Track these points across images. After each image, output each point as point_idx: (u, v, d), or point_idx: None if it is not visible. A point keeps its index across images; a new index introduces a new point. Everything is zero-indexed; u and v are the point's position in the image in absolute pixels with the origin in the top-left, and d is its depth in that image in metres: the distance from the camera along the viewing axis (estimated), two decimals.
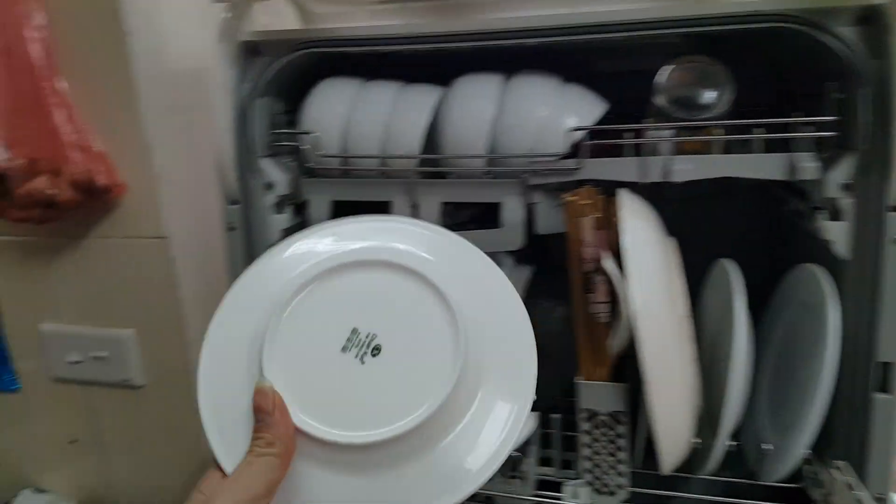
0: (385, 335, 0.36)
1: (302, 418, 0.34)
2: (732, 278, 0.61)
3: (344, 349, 0.36)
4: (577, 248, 0.59)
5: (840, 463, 0.60)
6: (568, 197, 0.59)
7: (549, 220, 0.66)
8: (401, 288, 0.37)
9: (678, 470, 0.63)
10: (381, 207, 0.69)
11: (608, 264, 0.57)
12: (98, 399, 1.03)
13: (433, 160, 0.69)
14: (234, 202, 0.71)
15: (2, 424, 1.09)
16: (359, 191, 0.70)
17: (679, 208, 0.82)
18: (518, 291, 0.71)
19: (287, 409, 0.34)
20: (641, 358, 0.56)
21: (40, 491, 1.07)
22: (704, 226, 0.74)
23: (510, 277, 0.72)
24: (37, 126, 0.84)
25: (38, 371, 1.03)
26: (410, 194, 0.68)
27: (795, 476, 0.63)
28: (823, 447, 0.61)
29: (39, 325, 1.01)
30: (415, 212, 0.68)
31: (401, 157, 0.67)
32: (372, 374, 0.35)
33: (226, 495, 0.33)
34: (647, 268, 0.58)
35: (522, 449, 0.66)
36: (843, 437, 0.61)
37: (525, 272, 0.73)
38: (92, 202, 0.90)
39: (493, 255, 0.72)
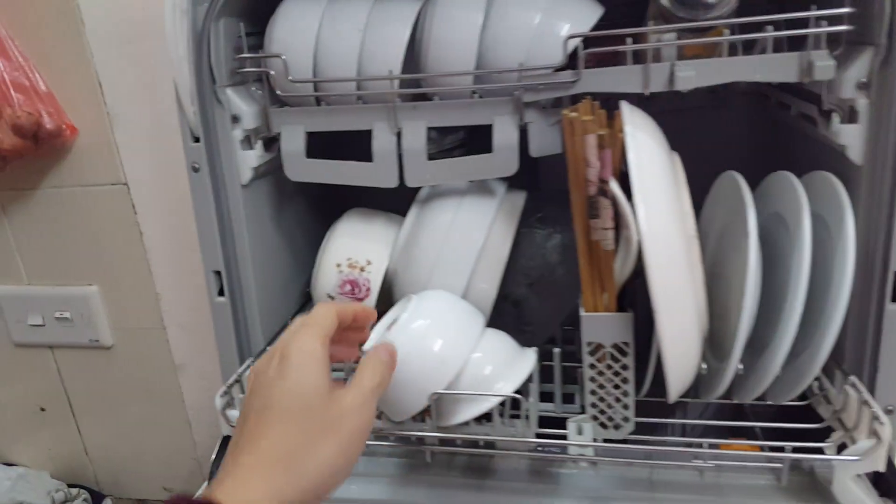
0: None
1: None
2: (743, 191, 0.57)
3: None
4: (579, 169, 0.54)
5: (853, 378, 0.58)
6: (568, 113, 0.54)
7: (544, 141, 0.61)
8: None
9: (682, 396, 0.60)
10: (360, 136, 0.64)
11: (614, 186, 0.53)
12: (65, 363, 0.98)
13: (416, 80, 0.63)
14: (196, 139, 0.65)
15: None
16: (335, 119, 0.64)
17: (674, 120, 0.77)
18: (512, 220, 0.68)
19: None
20: (651, 284, 0.52)
21: (9, 465, 1.02)
22: (700, 138, 0.69)
23: (502, 205, 0.68)
24: None
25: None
26: (392, 120, 0.63)
27: (802, 394, 0.60)
28: (830, 364, 0.58)
29: None
30: (398, 139, 0.63)
31: (380, 78, 0.61)
32: None
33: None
34: (655, 186, 0.53)
35: (523, 388, 0.63)
36: (853, 351, 0.59)
37: (519, 199, 0.69)
38: (40, 149, 0.83)
39: (484, 183, 0.69)
